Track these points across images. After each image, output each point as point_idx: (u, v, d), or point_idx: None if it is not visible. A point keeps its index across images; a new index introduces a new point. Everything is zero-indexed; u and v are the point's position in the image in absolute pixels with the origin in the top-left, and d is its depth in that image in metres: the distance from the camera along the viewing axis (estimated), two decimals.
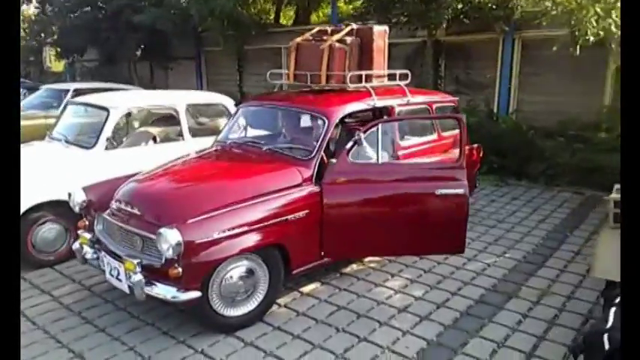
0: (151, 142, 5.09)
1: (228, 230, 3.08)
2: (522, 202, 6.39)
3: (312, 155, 3.73)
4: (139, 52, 13.78)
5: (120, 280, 3.30)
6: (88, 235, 3.54)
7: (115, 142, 4.74)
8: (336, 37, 4.33)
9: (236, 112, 4.62)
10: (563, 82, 8.45)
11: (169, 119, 5.34)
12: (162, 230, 2.92)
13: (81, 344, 3.24)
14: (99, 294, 3.91)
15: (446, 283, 4.09)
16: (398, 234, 3.64)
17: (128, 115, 4.83)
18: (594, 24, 6.18)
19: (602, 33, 6.27)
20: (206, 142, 5.29)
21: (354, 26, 4.52)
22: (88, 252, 3.58)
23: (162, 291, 3.04)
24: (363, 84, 4.26)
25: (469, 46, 9.66)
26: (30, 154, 4.58)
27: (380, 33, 4.47)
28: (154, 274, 3.10)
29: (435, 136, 4.90)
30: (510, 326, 3.43)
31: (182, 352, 3.13)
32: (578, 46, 6.54)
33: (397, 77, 4.63)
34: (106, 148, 4.67)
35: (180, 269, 2.96)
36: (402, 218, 3.63)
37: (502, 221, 5.65)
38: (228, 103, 5.79)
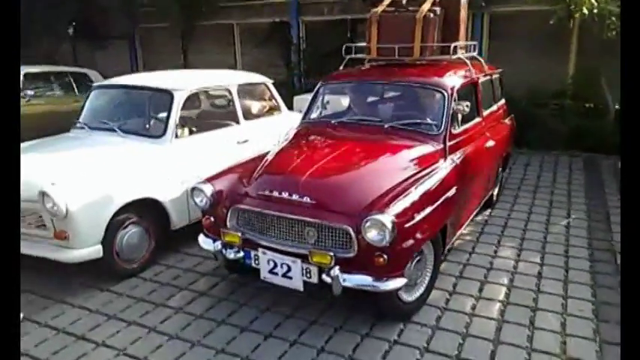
0: (214, 126, 4.58)
1: (422, 214, 2.91)
2: (537, 168, 6.81)
3: (441, 130, 3.64)
4: (70, 30, 12.19)
5: (289, 278, 3.00)
6: (236, 233, 3.12)
7: (182, 128, 4.20)
8: (426, 6, 4.19)
9: (317, 91, 4.32)
10: (530, 54, 9.05)
11: (220, 102, 4.85)
12: (377, 217, 2.67)
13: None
14: (217, 295, 3.52)
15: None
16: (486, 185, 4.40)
17: (188, 98, 4.28)
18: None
19: (595, 4, 6.79)
20: (259, 125, 4.95)
21: None
22: (230, 251, 3.19)
23: (362, 282, 2.81)
24: (458, 55, 4.21)
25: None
26: (91, 150, 3.92)
27: (464, 3, 4.41)
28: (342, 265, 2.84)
29: (499, 104, 5.07)
30: None
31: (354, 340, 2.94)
32: (573, 20, 7.05)
33: (470, 49, 4.62)
34: (176, 136, 4.13)
35: (385, 257, 2.74)
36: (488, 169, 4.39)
37: (539, 186, 5.99)
38: (269, 82, 5.41)
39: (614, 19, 6.82)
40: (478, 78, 4.37)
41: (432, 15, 4.11)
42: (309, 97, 7.61)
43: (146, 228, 3.91)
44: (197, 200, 3.31)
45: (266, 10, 11.44)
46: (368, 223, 2.69)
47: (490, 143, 4.38)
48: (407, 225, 2.77)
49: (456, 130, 3.76)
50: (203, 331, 3.12)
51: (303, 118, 4.25)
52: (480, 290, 3.56)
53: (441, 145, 3.58)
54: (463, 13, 4.42)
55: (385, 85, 4.09)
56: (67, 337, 3.11)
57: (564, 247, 4.25)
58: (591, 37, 7.91)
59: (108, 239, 3.58)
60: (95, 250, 3.50)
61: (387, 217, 2.67)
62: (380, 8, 4.35)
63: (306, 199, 2.95)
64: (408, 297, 3.13)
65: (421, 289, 3.24)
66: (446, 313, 3.27)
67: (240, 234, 3.11)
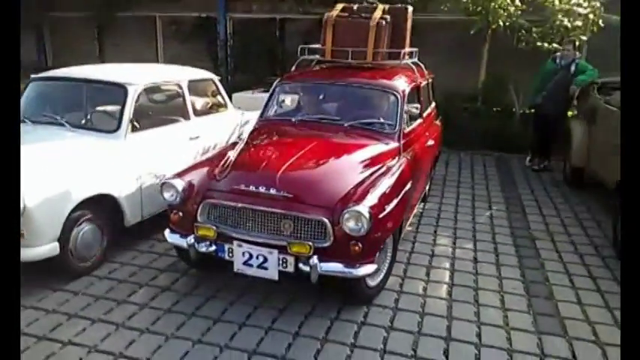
0: (166, 122, 4.54)
1: (390, 205, 3.19)
2: (456, 165, 7.46)
3: (396, 129, 3.97)
4: None
5: (265, 269, 3.14)
6: (211, 226, 3.19)
7: (137, 123, 4.13)
8: (378, 14, 4.50)
9: (274, 89, 4.47)
10: (445, 61, 9.80)
11: (171, 97, 4.81)
12: (356, 208, 2.90)
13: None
14: (181, 290, 3.55)
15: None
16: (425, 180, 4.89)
17: (140, 93, 4.20)
18: (508, 11, 7.43)
19: (510, 20, 7.60)
20: (208, 122, 4.99)
21: (383, 5, 4.74)
22: (202, 245, 3.25)
23: (337, 269, 3.03)
24: (405, 61, 4.57)
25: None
26: (43, 145, 3.74)
27: (410, 13, 4.77)
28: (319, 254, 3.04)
29: (432, 106, 5.54)
30: None
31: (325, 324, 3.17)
32: (489, 31, 7.81)
33: (413, 55, 5.01)
34: (131, 131, 4.07)
35: (360, 245, 2.99)
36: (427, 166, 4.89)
37: (461, 182, 6.60)
38: (216, 78, 5.44)
39: (524, 31, 7.66)
40: (421, 82, 4.76)
41: (384, 22, 4.42)
42: (247, 94, 7.74)
43: (99, 225, 3.82)
44: (167, 195, 3.33)
45: (192, 4, 11.22)
46: (347, 215, 2.92)
47: (430, 142, 4.80)
48: (380, 216, 3.03)
49: (406, 130, 4.10)
50: (175, 324, 3.16)
51: (261, 115, 4.36)
52: (427, 274, 3.93)
53: (397, 143, 3.90)
54: (409, 23, 4.78)
55: (343, 87, 4.32)
56: (28, 339, 2.99)
57: (491, 235, 4.78)
58: (501, 47, 8.79)
59: (63, 237, 3.46)
60: (52, 248, 3.37)
61: (365, 209, 2.91)
62: (334, 13, 4.58)
63: (283, 193, 3.10)
64: (372, 282, 3.40)
65: (381, 275, 3.52)
66: (402, 295, 3.59)
67: (214, 227, 3.19)
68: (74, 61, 10.18)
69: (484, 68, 9.90)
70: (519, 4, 7.68)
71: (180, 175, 3.42)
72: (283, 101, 4.38)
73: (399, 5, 4.79)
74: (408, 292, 3.63)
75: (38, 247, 3.28)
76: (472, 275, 3.93)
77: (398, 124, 3.98)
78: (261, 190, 3.14)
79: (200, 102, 5.16)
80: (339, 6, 4.76)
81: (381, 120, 4.01)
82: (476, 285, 3.78)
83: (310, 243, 2.99)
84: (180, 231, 3.41)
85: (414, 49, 4.92)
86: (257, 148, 3.74)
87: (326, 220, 3.02)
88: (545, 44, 7.61)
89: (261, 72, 10.15)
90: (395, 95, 4.09)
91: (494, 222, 5.15)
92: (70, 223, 3.50)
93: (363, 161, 3.55)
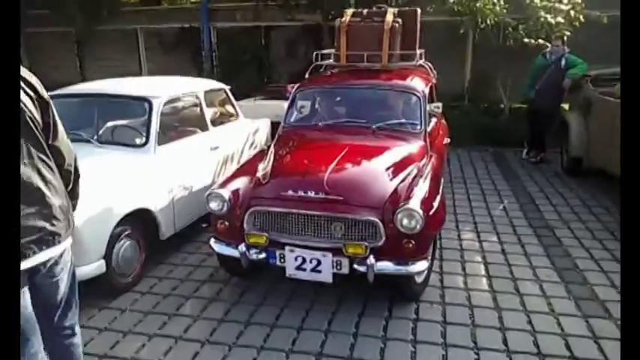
0: (187, 134, 4.53)
1: (435, 202, 3.28)
2: (456, 162, 7.64)
3: (422, 128, 4.08)
4: None
5: (318, 272, 3.18)
6: (262, 234, 3.21)
7: (163, 136, 4.12)
8: (390, 17, 4.61)
9: (294, 96, 4.51)
10: (434, 60, 10.03)
11: (189, 109, 4.80)
12: (410, 206, 2.98)
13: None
14: (228, 299, 3.55)
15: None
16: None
17: (164, 105, 4.18)
18: (495, 11, 7.68)
19: (497, 19, 7.85)
20: (224, 131, 5.00)
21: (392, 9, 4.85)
22: (253, 253, 3.27)
23: (392, 267, 3.10)
24: (420, 62, 4.69)
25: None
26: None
27: (419, 15, 4.90)
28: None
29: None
30: None
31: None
32: (477, 30, 8.05)
33: (423, 56, 5.14)
34: (159, 144, 4.05)
35: (413, 242, 3.07)
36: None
37: (466, 177, 6.76)
38: (227, 88, 5.45)
39: (511, 29, 7.93)
40: (434, 82, 4.89)
41: (397, 25, 4.52)
42: (249, 102, 7.72)
43: (137, 240, 3.78)
44: (213, 205, 3.33)
45: (174, 15, 11.16)
46: (401, 213, 2.99)
47: (446, 140, 4.93)
48: (430, 212, 3.12)
49: (429, 129, 4.21)
50: (234, 333, 3.16)
51: (284, 122, 4.40)
52: (464, 269, 4.03)
53: (423, 142, 4.01)
54: (418, 25, 4.91)
55: (365, 89, 4.40)
56: (90, 358, 2.94)
57: (511, 227, 4.93)
58: (485, 46, 9.06)
59: (107, 254, 3.42)
60: (99, 266, 3.33)
61: (417, 206, 2.99)
62: (347, 19, 4.66)
63: (333, 197, 3.15)
64: (419, 279, 3.47)
65: (426, 272, 3.60)
66: (445, 290, 3.68)
67: (266, 235, 3.21)
68: (55, 76, 10.00)
69: (469, 67, 10.21)
70: (503, 3, 7.95)
71: (224, 184, 3.44)
72: (304, 107, 4.43)
73: (408, 8, 4.91)
74: (451, 287, 3.72)
75: (86, 266, 3.23)
76: (506, 266, 4.06)
77: (423, 123, 4.09)
78: (311, 194, 3.18)
79: (215, 112, 5.16)
80: (350, 11, 4.84)
81: (407, 120, 4.12)
82: (512, 276, 3.90)
83: (366, 243, 3.05)
84: (227, 240, 3.42)
85: (423, 51, 5.04)
86: (293, 154, 3.78)
87: (377, 220, 3.08)
88: (532, 40, 7.88)
89: (249, 80, 10.17)
90: (417, 96, 4.19)
91: (509, 214, 5.31)
92: (113, 239, 3.47)
93: (397, 161, 3.63)
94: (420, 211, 2.98)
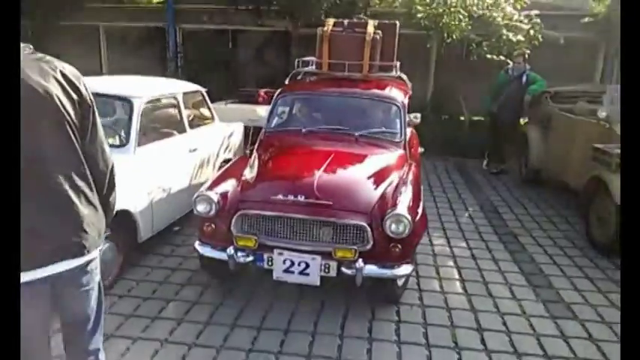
0: (166, 135, 4.49)
1: (419, 208, 3.42)
2: (422, 170, 7.86)
3: (402, 137, 4.23)
4: None
5: (306, 275, 3.23)
6: (251, 237, 3.23)
7: (143, 136, 4.07)
8: (371, 29, 4.75)
9: (277, 101, 4.56)
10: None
11: (166, 111, 4.74)
12: (398, 212, 3.09)
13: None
14: (211, 301, 3.55)
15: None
16: None
17: (144, 105, 4.12)
18: (460, 27, 8.02)
19: (462, 35, 8.20)
20: (201, 134, 4.99)
21: (372, 21, 5.00)
22: (240, 255, 3.29)
23: (380, 270, 3.20)
24: (398, 73, 4.86)
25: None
26: None
27: (398, 28, 5.07)
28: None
29: None
30: None
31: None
32: (444, 44, 8.37)
33: (398, 68, 5.31)
34: (138, 145, 4.00)
35: (400, 247, 3.18)
36: None
37: (432, 185, 7.01)
38: (203, 90, 5.43)
39: (474, 45, 8.30)
40: (410, 93, 5.06)
41: (377, 37, 4.67)
42: (220, 105, 7.68)
43: (116, 242, 3.71)
44: (201, 208, 3.33)
45: (139, 14, 10.92)
46: (390, 219, 3.10)
47: (420, 149, 5.10)
48: (416, 218, 3.24)
49: (407, 138, 4.36)
50: (221, 336, 3.16)
51: (267, 126, 4.43)
52: (438, 272, 4.19)
53: (403, 151, 4.15)
54: (397, 38, 5.07)
55: (347, 98, 4.50)
56: None
57: (477, 234, 5.17)
58: (447, 60, 9.43)
59: None
60: None
61: (405, 212, 3.11)
62: (329, 28, 4.76)
63: (323, 202, 3.22)
64: (400, 282, 3.59)
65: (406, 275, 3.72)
66: (423, 293, 3.82)
67: (255, 237, 3.24)
68: None
69: (432, 79, 10.56)
70: (468, 19, 8.32)
71: (211, 187, 3.44)
72: (285, 113, 4.49)
73: (387, 21, 5.08)
74: (428, 290, 3.87)
75: None
76: (477, 271, 4.25)
77: (403, 133, 4.24)
78: (300, 199, 3.23)
79: (192, 114, 5.12)
80: (331, 21, 4.95)
81: (387, 129, 4.25)
82: (484, 279, 4.09)
83: (355, 247, 3.13)
84: (213, 243, 3.42)
85: (398, 63, 5.21)
86: (280, 158, 3.83)
87: (365, 225, 3.18)
88: (494, 57, 8.27)
89: (215, 84, 10.08)
90: (397, 106, 4.35)
91: (475, 221, 5.55)
92: None
93: (381, 169, 3.74)
94: (408, 217, 3.10)
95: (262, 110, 6.74)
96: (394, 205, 3.22)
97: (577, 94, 6.33)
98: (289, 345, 3.10)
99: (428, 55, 10.05)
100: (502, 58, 8.22)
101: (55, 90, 1.66)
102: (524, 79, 7.33)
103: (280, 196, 3.28)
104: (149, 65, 10.91)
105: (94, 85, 4.34)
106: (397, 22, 5.06)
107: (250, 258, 3.30)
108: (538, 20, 8.28)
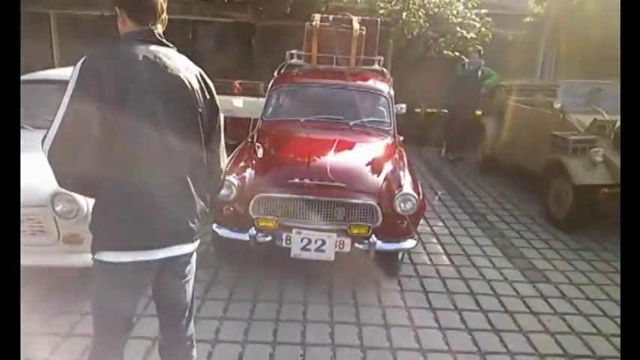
0: None
1: (419, 188, 3.81)
2: None
3: (392, 126, 4.63)
4: None
5: (322, 251, 3.54)
6: (272, 218, 3.50)
7: None
8: (356, 25, 5.10)
9: (272, 92, 4.80)
10: None
11: None
12: (407, 191, 3.47)
13: None
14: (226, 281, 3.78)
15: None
16: None
17: None
18: (419, 24, 8.54)
19: (420, 31, 8.73)
20: None
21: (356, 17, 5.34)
22: (260, 236, 3.55)
23: (390, 244, 3.58)
24: (381, 67, 5.24)
25: (281, 30, 10.85)
26: None
27: (379, 25, 5.44)
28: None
29: None
30: None
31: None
32: (404, 40, 8.86)
33: (381, 62, 5.67)
34: None
35: (406, 223, 3.57)
36: None
37: None
38: None
39: (432, 41, 8.86)
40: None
41: (363, 33, 5.02)
42: None
43: None
44: (224, 192, 3.53)
45: (93, 1, 10.59)
46: (400, 198, 3.47)
47: (400, 137, 5.52)
48: (420, 197, 3.64)
49: (395, 127, 4.75)
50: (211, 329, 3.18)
51: (263, 116, 4.67)
52: (425, 248, 4.63)
53: (393, 139, 4.54)
54: (378, 34, 5.44)
55: (340, 89, 4.80)
56: None
57: (450, 214, 5.69)
58: (406, 54, 9.95)
59: None
60: None
61: (412, 191, 3.50)
62: (317, 23, 5.06)
63: (337, 184, 3.54)
64: (399, 256, 3.99)
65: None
66: (417, 266, 4.24)
67: (275, 218, 3.51)
68: None
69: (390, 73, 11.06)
70: (425, 17, 8.85)
71: (229, 172, 3.65)
72: (283, 103, 4.75)
73: (369, 18, 5.44)
74: (420, 263, 4.30)
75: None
76: (457, 246, 4.74)
77: (392, 122, 4.64)
78: (316, 181, 3.54)
79: None
80: (317, 16, 5.25)
81: (379, 119, 4.63)
82: (465, 252, 4.59)
83: (369, 224, 3.49)
84: (231, 225, 3.64)
85: (382, 57, 5.59)
86: (287, 145, 4.09)
87: (375, 204, 3.53)
88: (450, 53, 8.88)
89: None
90: (385, 97, 4.74)
91: (446, 204, 6.07)
92: None
93: (380, 154, 4.11)
94: (416, 195, 3.49)
95: (238, 101, 6.93)
96: (400, 186, 3.60)
97: (530, 88, 6.99)
98: (311, 314, 3.40)
99: (386, 51, 10.51)
100: (457, 54, 8.83)
101: (196, 86, 1.82)
102: (479, 73, 7.97)
103: (297, 180, 3.56)
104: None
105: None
106: (378, 19, 5.43)
107: (269, 238, 3.57)
108: (489, 19, 8.95)
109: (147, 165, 1.74)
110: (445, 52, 8.85)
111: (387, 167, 3.90)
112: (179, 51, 1.88)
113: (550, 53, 10.61)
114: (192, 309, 2.09)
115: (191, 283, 2.00)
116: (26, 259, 3.12)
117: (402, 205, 3.49)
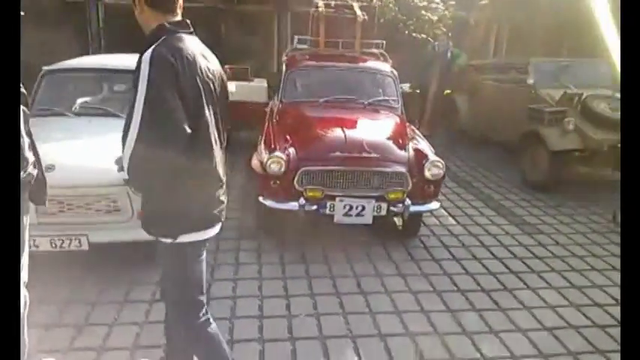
0: None
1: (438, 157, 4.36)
2: None
3: (400, 104, 5.15)
4: None
5: (362, 216, 4.04)
6: (319, 188, 3.94)
7: None
8: (359, 11, 5.54)
9: (288, 75, 5.17)
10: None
11: None
12: (435, 159, 4.02)
13: None
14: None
15: None
16: None
17: None
18: (390, 8, 9.08)
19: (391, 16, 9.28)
20: None
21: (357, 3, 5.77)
22: (308, 205, 3.98)
23: (421, 207, 4.13)
24: (381, 50, 5.74)
25: (250, 16, 11.03)
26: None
27: (377, 11, 5.90)
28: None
29: None
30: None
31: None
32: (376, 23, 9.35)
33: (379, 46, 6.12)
34: None
35: (432, 187, 4.13)
36: None
37: None
38: None
39: (402, 24, 9.43)
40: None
41: (366, 18, 5.48)
42: None
43: None
44: (276, 168, 3.92)
45: None
46: (429, 165, 4.02)
47: None
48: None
49: (402, 104, 5.26)
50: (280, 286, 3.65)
51: (283, 97, 5.04)
52: (431, 212, 5.23)
53: (402, 115, 5.06)
54: (376, 19, 5.90)
55: (351, 71, 5.25)
56: None
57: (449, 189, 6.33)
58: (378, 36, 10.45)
59: None
60: None
61: (438, 159, 4.06)
62: (322, 9, 5.45)
63: (373, 155, 4.02)
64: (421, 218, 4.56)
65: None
66: (430, 227, 4.83)
67: (322, 189, 3.95)
68: None
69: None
70: (394, 2, 9.40)
71: (274, 149, 4.03)
72: (299, 85, 5.14)
73: (366, 4, 5.91)
74: (432, 225, 4.89)
75: None
76: (457, 209, 5.39)
77: (400, 100, 5.15)
78: (354, 154, 4.01)
79: None
80: (321, 2, 5.64)
81: (388, 97, 5.13)
82: (465, 214, 5.24)
83: (404, 189, 4.01)
84: (276, 198, 4.04)
85: (384, 41, 6.07)
86: (317, 123, 4.48)
87: (406, 172, 4.06)
88: (419, 35, 9.49)
89: None
90: (392, 77, 5.24)
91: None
92: None
93: (398, 129, 4.62)
94: (442, 161, 4.05)
95: (231, 86, 7.17)
96: (425, 155, 4.14)
97: (500, 66, 7.73)
98: (358, 268, 3.90)
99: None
100: (424, 36, 9.46)
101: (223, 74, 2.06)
102: (449, 54, 8.64)
103: (338, 153, 4.01)
104: (67, 43, 10.40)
105: (118, 62, 4.60)
106: (377, 6, 5.89)
107: (315, 207, 4.00)
108: (453, 2, 9.63)
109: (212, 153, 1.94)
110: (414, 34, 9.45)
111: (408, 139, 4.42)
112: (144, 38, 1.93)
113: (501, 34, 11.52)
114: None
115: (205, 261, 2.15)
116: (104, 237, 3.47)
117: (433, 170, 4.03)
